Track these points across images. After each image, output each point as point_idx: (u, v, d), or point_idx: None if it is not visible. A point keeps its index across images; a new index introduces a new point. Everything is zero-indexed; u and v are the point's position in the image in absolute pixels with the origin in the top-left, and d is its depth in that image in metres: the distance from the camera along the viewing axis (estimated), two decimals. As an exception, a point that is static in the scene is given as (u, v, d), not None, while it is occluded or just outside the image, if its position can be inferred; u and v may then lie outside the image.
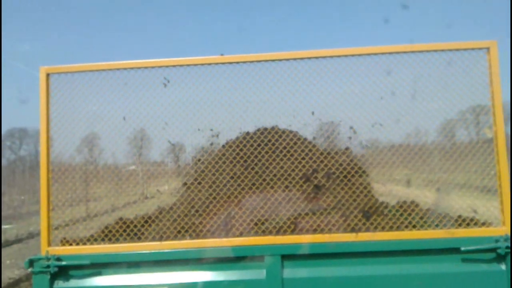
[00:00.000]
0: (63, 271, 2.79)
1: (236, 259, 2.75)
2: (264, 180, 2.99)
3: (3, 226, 14.94)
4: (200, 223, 2.90)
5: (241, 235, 2.82)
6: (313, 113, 3.04)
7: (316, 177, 2.97)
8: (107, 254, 2.80)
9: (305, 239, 2.74)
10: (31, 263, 2.77)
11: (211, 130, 3.09)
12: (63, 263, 2.77)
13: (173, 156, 3.28)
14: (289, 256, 2.72)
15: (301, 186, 2.95)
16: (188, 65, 2.93)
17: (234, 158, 3.09)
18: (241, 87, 2.95)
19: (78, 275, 2.79)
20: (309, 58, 2.90)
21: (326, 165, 2.99)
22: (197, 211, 2.96)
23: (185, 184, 3.26)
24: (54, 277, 2.77)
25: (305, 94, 2.97)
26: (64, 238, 2.93)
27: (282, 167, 3.02)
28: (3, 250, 12.59)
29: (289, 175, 2.99)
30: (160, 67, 2.94)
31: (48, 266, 2.75)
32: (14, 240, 14.05)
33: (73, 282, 2.78)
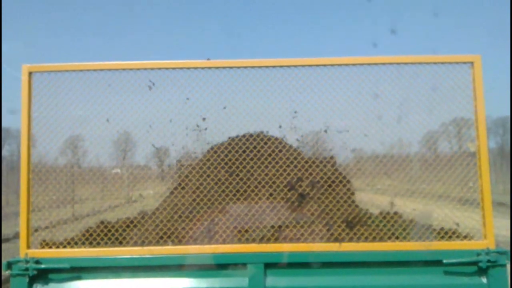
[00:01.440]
0: (42, 275, 2.73)
1: (219, 266, 2.72)
2: (249, 187, 2.96)
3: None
4: (183, 229, 2.87)
5: (224, 242, 2.79)
6: (290, 126, 3.04)
7: (300, 186, 2.96)
8: (87, 258, 2.75)
9: (289, 248, 2.72)
10: (9, 265, 2.70)
11: (197, 133, 3.06)
12: (42, 266, 2.71)
13: (157, 160, 3.24)
14: (272, 264, 2.70)
15: (286, 194, 2.94)
16: (174, 68, 2.91)
17: (219, 163, 3.07)
18: (227, 92, 2.93)
19: (58, 278, 2.73)
20: (296, 66, 2.90)
21: (310, 174, 2.99)
22: (180, 216, 2.93)
23: (168, 188, 3.23)
24: (33, 280, 2.71)
25: (290, 102, 2.96)
26: (44, 241, 2.87)
27: (266, 174, 3.00)
28: None
29: (274, 182, 2.98)
30: (145, 69, 2.91)
31: (26, 269, 2.69)
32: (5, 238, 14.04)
33: (52, 285, 2.72)
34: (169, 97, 2.93)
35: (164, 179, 3.29)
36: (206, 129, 3.07)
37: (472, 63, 2.87)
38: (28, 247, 2.80)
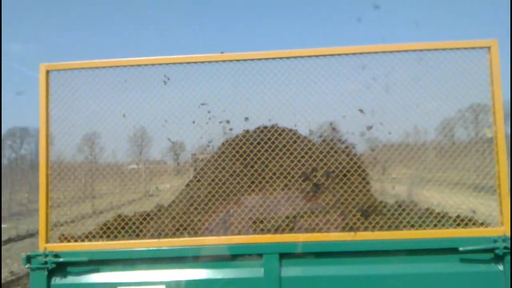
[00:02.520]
0: (61, 268, 2.79)
1: (235, 257, 2.75)
2: (264, 178, 2.98)
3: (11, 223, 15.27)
4: (199, 220, 2.90)
5: (239, 233, 2.82)
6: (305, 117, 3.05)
7: (315, 176, 2.97)
8: (105, 251, 2.80)
9: (304, 238, 2.74)
10: (28, 259, 2.77)
11: (212, 127, 3.09)
12: (61, 259, 2.76)
13: (172, 154, 3.28)
14: (287, 254, 2.72)
15: (300, 184, 2.95)
16: (188, 62, 2.93)
17: (234, 156, 3.09)
18: (241, 85, 2.94)
19: (76, 271, 2.79)
20: (310, 56, 2.89)
21: (325, 164, 2.99)
22: (196, 208, 2.96)
23: (184, 182, 3.27)
24: (52, 273, 2.77)
25: (306, 93, 2.96)
26: (63, 235, 2.93)
27: (281, 165, 3.01)
28: (15, 244, 13.02)
29: (289, 173, 2.99)
30: (160, 64, 2.94)
31: (45, 263, 2.75)
32: (26, 234, 14.26)
33: (70, 278, 2.78)
34: (184, 91, 2.95)
35: (180, 173, 3.33)
36: (225, 125, 3.09)
37: (489, 47, 2.83)
38: (47, 241, 2.86)
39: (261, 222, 2.84)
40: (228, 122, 3.07)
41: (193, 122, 2.99)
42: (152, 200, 3.37)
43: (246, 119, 3.07)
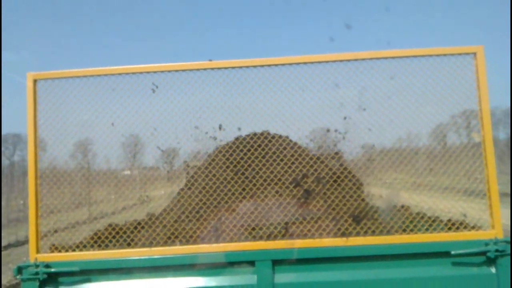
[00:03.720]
0: (52, 278, 2.76)
1: (227, 264, 2.74)
2: (255, 185, 2.98)
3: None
4: (191, 229, 2.89)
5: (231, 240, 2.81)
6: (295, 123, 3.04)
7: (306, 182, 2.97)
8: (97, 260, 2.78)
9: (296, 244, 2.74)
10: (19, 270, 2.74)
11: (203, 134, 3.08)
12: (52, 270, 2.74)
13: (164, 162, 3.26)
14: (280, 261, 2.72)
15: (292, 191, 2.95)
16: (176, 70, 2.92)
17: (224, 163, 3.08)
18: (230, 92, 2.94)
19: (68, 282, 2.77)
20: (299, 63, 2.90)
21: (316, 170, 2.99)
22: (187, 216, 2.95)
23: (176, 189, 3.25)
24: (43, 284, 2.75)
25: (294, 99, 2.97)
26: (53, 245, 2.90)
27: (272, 172, 3.01)
28: (15, 249, 13.56)
29: (280, 179, 2.99)
30: (148, 72, 2.93)
31: (36, 273, 2.72)
32: (25, 240, 14.46)
33: None
34: (172, 100, 2.94)
35: (172, 180, 3.31)
36: (215, 132, 3.08)
37: (475, 53, 2.87)
38: (38, 251, 2.83)
39: (253, 229, 2.84)
40: (220, 128, 3.07)
41: (183, 129, 2.98)
42: (145, 206, 3.35)
43: (239, 129, 3.06)
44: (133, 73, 2.93)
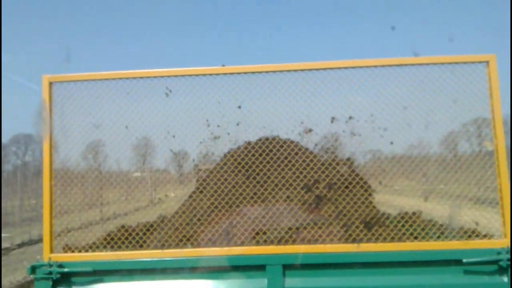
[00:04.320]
0: (65, 278, 2.80)
1: (238, 268, 2.76)
2: (266, 189, 2.99)
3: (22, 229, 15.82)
4: (202, 231, 2.91)
5: (242, 244, 2.83)
6: (311, 130, 3.05)
7: (317, 187, 2.98)
8: (109, 261, 2.81)
9: (307, 249, 2.74)
10: (33, 269, 2.78)
11: (214, 139, 3.11)
12: (65, 270, 2.78)
13: (175, 165, 3.30)
14: (291, 266, 2.72)
15: (303, 196, 2.96)
16: (189, 75, 2.96)
17: (236, 167, 3.10)
18: (242, 97, 2.96)
19: (80, 282, 2.80)
20: (311, 69, 2.92)
21: (327, 176, 3.00)
22: (199, 219, 2.97)
23: (187, 193, 3.28)
24: (56, 283, 2.78)
25: (306, 105, 2.98)
26: (67, 245, 2.94)
27: (283, 177, 3.02)
28: (29, 247, 13.91)
29: (291, 185, 3.00)
30: (162, 77, 2.97)
31: (50, 273, 2.76)
32: (38, 239, 14.75)
33: None
34: (185, 103, 2.98)
35: (183, 183, 3.34)
36: (226, 136, 3.10)
37: (487, 62, 2.86)
38: (51, 251, 2.87)
39: (264, 233, 2.85)
40: (228, 134, 3.09)
41: (196, 132, 3.01)
42: (156, 208, 3.38)
43: (247, 132, 3.08)
44: (148, 77, 2.96)
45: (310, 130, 3.08)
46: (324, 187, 2.98)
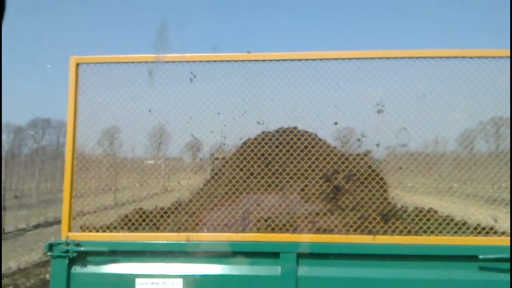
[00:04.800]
0: (81, 257, 2.83)
1: (252, 254, 2.77)
2: (282, 180, 3.00)
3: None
4: (219, 216, 2.92)
5: (258, 230, 2.84)
6: (336, 123, 3.05)
7: (336, 178, 2.98)
8: (125, 242, 2.84)
9: (322, 238, 2.75)
10: (50, 247, 2.81)
11: (231, 126, 3.11)
12: (82, 248, 2.80)
13: (192, 152, 3.31)
14: (305, 254, 2.73)
15: (321, 186, 2.96)
16: (214, 61, 2.98)
17: (252, 158, 3.12)
18: (265, 85, 2.97)
19: (96, 261, 2.82)
20: (334, 59, 2.92)
21: (347, 167, 3.01)
22: (215, 205, 2.99)
23: (202, 181, 3.30)
24: (73, 262, 2.81)
25: (326, 98, 2.97)
26: (84, 225, 2.97)
27: (299, 169, 3.03)
28: (44, 229, 14.59)
29: (307, 176, 3.00)
30: (187, 61, 2.99)
31: (67, 251, 2.79)
32: (53, 221, 15.59)
33: (90, 268, 2.82)
34: (209, 89, 3.00)
35: (198, 171, 3.36)
36: (244, 125, 3.10)
37: (511, 57, 2.81)
38: (69, 230, 2.90)
39: (280, 221, 2.86)
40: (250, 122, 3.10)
41: (218, 114, 3.01)
42: (171, 195, 3.40)
43: (259, 123, 3.08)
44: (173, 61, 2.99)
45: (336, 123, 3.07)
46: (343, 178, 2.99)
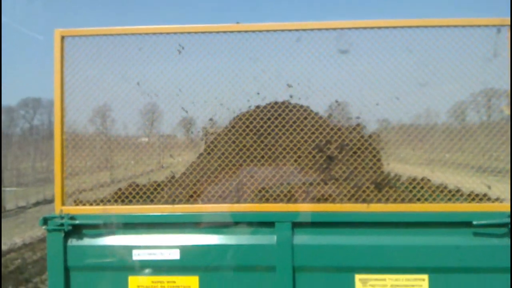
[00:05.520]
0: (77, 230, 2.83)
1: (247, 224, 2.79)
2: (274, 152, 3.00)
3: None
4: (213, 188, 2.93)
5: (252, 201, 2.85)
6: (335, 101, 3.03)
7: (328, 148, 2.98)
8: (120, 214, 2.84)
9: (317, 207, 2.77)
10: (45, 221, 2.81)
11: (223, 100, 3.08)
12: (77, 222, 2.81)
13: (183, 128, 3.29)
14: (300, 223, 2.75)
15: (314, 156, 2.96)
16: (203, 32, 2.91)
17: (244, 130, 3.10)
18: (256, 56, 2.92)
19: (91, 234, 2.83)
20: (327, 29, 2.86)
21: (339, 137, 3.00)
22: (209, 177, 2.99)
23: (195, 154, 3.29)
24: (68, 235, 2.82)
25: (317, 69, 2.94)
26: (78, 199, 2.96)
27: (291, 141, 3.02)
28: (44, 206, 15.29)
29: (299, 148, 3.00)
30: (175, 33, 2.92)
31: (62, 225, 2.79)
32: (52, 199, 15.36)
33: (86, 241, 2.83)
34: (198, 62, 2.95)
35: (192, 145, 3.34)
36: (236, 99, 3.06)
37: (509, 26, 2.76)
38: (63, 204, 2.90)
39: (274, 191, 2.87)
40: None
41: (204, 94, 2.97)
42: (167, 172, 3.40)
43: (257, 94, 3.06)
44: (160, 33, 2.92)
45: (338, 102, 3.05)
46: (336, 148, 2.98)
